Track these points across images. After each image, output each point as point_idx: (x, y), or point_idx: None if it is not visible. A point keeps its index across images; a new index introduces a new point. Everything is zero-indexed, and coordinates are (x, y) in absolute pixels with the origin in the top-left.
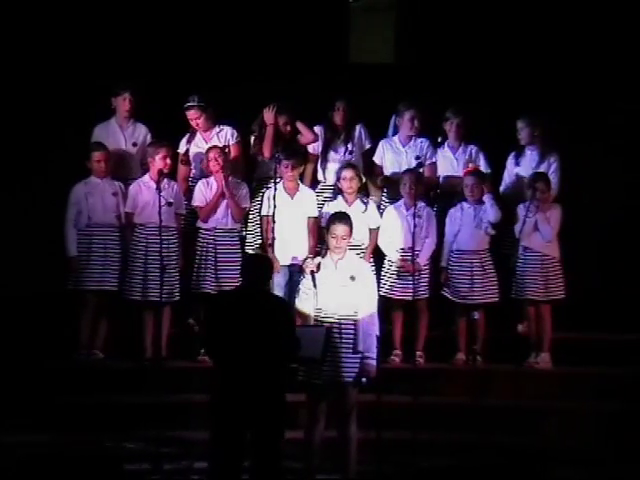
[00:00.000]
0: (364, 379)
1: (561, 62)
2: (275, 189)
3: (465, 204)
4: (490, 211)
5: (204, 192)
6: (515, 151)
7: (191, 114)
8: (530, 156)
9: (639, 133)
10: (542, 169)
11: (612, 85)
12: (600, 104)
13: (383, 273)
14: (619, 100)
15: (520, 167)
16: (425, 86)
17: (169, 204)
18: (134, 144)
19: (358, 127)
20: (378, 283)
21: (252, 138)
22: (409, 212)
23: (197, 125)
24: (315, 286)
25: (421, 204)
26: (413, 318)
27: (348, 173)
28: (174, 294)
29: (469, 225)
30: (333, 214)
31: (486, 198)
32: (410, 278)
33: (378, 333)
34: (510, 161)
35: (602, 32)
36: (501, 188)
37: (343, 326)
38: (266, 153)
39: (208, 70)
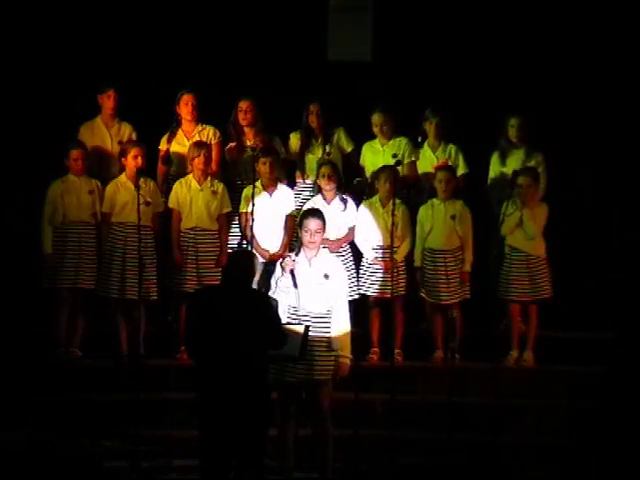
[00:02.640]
0: (337, 377)
1: (538, 61)
2: (254, 187)
3: (435, 200)
4: None
5: (179, 193)
6: (499, 150)
7: (188, 97)
8: (517, 155)
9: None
10: None
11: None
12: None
13: (362, 272)
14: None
15: (507, 166)
16: (402, 84)
17: (147, 203)
18: (119, 143)
19: (338, 131)
20: (358, 281)
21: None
22: (385, 209)
23: (190, 111)
24: (296, 286)
25: (397, 201)
26: (389, 316)
27: (327, 170)
28: (150, 293)
29: (440, 223)
30: (305, 210)
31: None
32: (389, 276)
33: (349, 329)
34: (495, 160)
35: (577, 32)
36: (487, 187)
37: (318, 324)
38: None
39: (184, 69)
